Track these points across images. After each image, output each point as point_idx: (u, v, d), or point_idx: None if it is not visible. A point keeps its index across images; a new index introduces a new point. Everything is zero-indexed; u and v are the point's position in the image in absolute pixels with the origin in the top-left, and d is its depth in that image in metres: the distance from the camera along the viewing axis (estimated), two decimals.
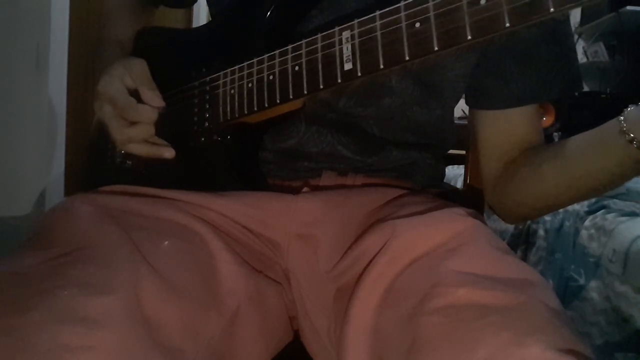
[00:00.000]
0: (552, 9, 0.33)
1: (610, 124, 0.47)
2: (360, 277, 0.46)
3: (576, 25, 2.02)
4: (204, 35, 0.64)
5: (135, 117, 0.54)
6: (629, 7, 1.74)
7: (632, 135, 0.44)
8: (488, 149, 0.63)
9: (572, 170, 0.51)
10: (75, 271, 0.40)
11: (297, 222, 0.56)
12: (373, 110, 0.59)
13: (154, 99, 0.54)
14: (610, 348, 1.06)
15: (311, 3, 0.56)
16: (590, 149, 0.49)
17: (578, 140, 0.52)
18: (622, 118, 0.45)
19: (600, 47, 1.98)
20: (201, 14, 2.00)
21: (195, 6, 0.77)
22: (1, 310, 0.36)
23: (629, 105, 0.46)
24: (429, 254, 0.44)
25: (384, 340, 0.41)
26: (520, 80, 0.58)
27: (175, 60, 0.63)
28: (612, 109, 0.47)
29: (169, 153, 0.56)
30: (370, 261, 0.46)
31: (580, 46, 2.07)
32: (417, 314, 0.39)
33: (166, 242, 0.47)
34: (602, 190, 0.51)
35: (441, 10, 0.38)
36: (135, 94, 0.55)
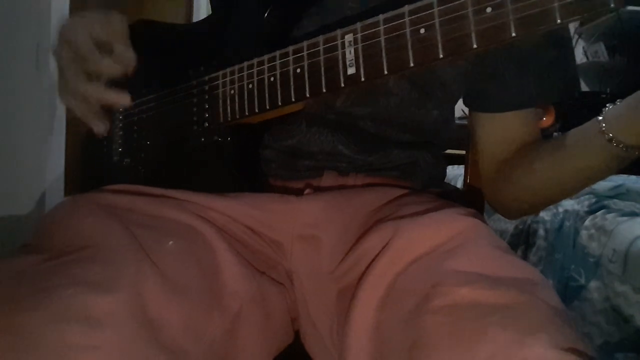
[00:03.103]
0: (559, 20, 0.33)
1: (590, 124, 0.48)
2: (361, 277, 0.46)
3: (576, 26, 2.01)
4: (202, 33, 0.63)
5: (97, 68, 0.50)
6: (629, 7, 1.74)
7: (610, 135, 0.45)
8: (486, 148, 0.63)
9: (561, 168, 0.53)
10: (79, 270, 0.40)
11: (300, 224, 0.56)
12: (370, 110, 0.60)
13: (126, 56, 0.50)
14: (610, 348, 1.06)
15: (310, 3, 0.56)
16: (575, 149, 0.51)
17: (565, 140, 0.53)
18: (600, 118, 0.47)
19: (600, 47, 1.98)
20: (201, 9, 2.00)
21: (195, 1, 0.76)
22: (5, 310, 0.36)
23: (607, 105, 0.47)
24: (430, 253, 0.44)
25: (386, 340, 0.41)
26: (519, 83, 0.58)
27: (172, 57, 0.62)
28: None
29: (98, 128, 0.52)
30: (372, 261, 0.46)
31: (580, 46, 2.07)
32: (418, 314, 0.39)
33: (170, 242, 0.47)
34: (593, 182, 0.53)
35: (446, 17, 0.37)
36: (104, 50, 0.50)
